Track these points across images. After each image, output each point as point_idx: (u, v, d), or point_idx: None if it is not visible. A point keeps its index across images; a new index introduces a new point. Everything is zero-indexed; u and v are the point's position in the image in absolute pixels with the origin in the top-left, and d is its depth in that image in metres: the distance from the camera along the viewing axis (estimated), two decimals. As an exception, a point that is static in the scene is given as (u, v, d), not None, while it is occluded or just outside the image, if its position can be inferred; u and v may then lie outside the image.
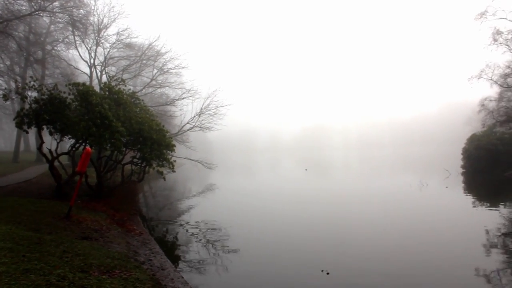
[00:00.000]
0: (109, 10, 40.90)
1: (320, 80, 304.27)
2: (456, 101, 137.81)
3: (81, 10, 36.40)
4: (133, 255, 11.01)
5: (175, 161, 22.50)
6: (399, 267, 11.74)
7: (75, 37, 39.90)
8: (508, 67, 37.55)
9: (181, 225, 18.99)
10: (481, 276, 10.75)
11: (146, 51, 44.13)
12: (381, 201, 24.98)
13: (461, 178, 36.98)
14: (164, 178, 22.48)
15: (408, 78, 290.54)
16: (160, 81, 46.69)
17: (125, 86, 23.47)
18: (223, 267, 12.16)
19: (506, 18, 34.96)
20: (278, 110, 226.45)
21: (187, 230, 17.50)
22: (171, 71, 45.18)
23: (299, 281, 10.87)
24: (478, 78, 37.23)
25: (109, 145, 18.46)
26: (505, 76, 37.16)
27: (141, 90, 43.90)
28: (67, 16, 35.11)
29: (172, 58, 43.80)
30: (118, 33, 41.62)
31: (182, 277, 10.35)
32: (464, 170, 40.71)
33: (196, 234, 16.58)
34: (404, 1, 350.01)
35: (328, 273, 10.93)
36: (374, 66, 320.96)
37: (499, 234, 15.64)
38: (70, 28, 38.13)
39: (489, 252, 13.18)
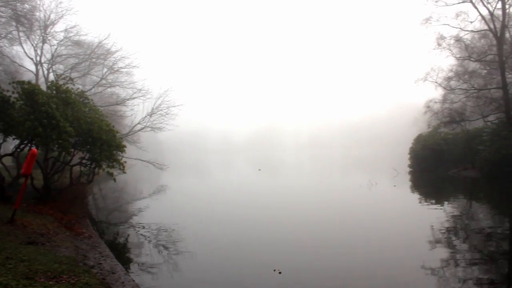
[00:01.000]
0: (57, 6, 39.10)
1: (271, 81, 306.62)
2: (404, 103, 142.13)
3: (25, 5, 34.89)
4: (82, 259, 10.69)
5: (125, 162, 22.09)
6: (348, 265, 12.01)
7: (20, 33, 38.13)
8: (451, 70, 39.25)
9: (133, 227, 18.63)
10: (427, 270, 11.15)
11: (96, 49, 42.94)
12: (331, 200, 25.45)
13: (408, 177, 38.28)
14: (114, 180, 21.95)
15: (358, 80, 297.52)
16: (110, 80, 45.50)
17: (74, 85, 22.70)
18: (175, 269, 12.03)
19: (448, 24, 36.57)
20: (230, 110, 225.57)
21: (138, 232, 17.18)
22: (122, 70, 44.19)
23: (252, 281, 10.89)
24: (424, 81, 38.69)
25: (56, 146, 17.85)
26: (448, 79, 38.78)
27: (91, 89, 42.64)
28: (10, 10, 33.60)
29: (123, 57, 42.88)
30: (66, 30, 40.20)
31: (134, 280, 10.14)
32: (411, 169, 42.17)
33: (148, 236, 16.31)
34: (356, 5, 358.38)
35: (280, 272, 11.03)
36: (325, 68, 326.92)
37: (444, 230, 16.29)
38: (14, 23, 36.47)
39: (434, 247, 13.70)
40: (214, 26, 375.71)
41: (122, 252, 14.05)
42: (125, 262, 12.48)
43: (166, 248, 14.43)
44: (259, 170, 56.49)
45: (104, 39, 42.71)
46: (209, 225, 18.72)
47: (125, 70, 44.22)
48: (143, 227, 18.03)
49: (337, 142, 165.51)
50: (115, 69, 43.75)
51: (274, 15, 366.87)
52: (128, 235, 17.16)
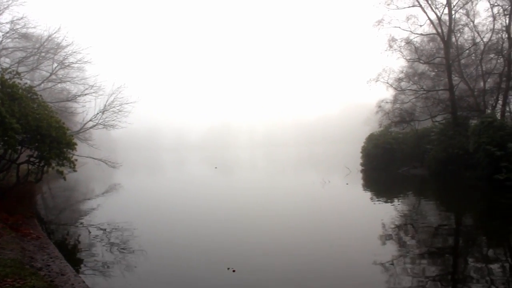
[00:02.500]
0: (2, -4, 37.38)
1: (226, 78, 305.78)
2: (357, 103, 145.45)
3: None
4: (28, 261, 10.30)
5: (76, 160, 21.48)
6: (301, 262, 12.15)
7: (-39, 23, 36.29)
8: (402, 72, 40.46)
9: (84, 227, 18.13)
10: (378, 266, 11.45)
11: (45, 43, 41.28)
12: (284, 198, 25.68)
13: (360, 175, 39.17)
14: (64, 178, 21.27)
15: (312, 80, 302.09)
16: (60, 76, 43.90)
17: (21, 79, 21.82)
18: (128, 269, 11.80)
19: (399, 27, 37.63)
20: (185, 108, 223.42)
21: (90, 232, 16.73)
22: (73, 65, 42.62)
23: (206, 279, 10.85)
24: (376, 81, 39.55)
25: (1, 143, 17.11)
26: (399, 80, 39.91)
27: (39, 84, 41.01)
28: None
29: (74, 52, 41.37)
30: (12, 22, 38.36)
31: (84, 282, 9.87)
32: (363, 168, 43.15)
33: (100, 236, 15.92)
34: (311, 6, 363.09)
35: (234, 271, 11.04)
36: (280, 67, 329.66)
37: (394, 226, 16.81)
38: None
39: (385, 243, 14.12)
40: (168, 21, 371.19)
41: (72, 253, 13.66)
42: (76, 263, 12.13)
43: (118, 247, 14.13)
44: (216, 168, 56.28)
45: (54, 33, 41.10)
46: (163, 224, 18.49)
47: (76, 65, 42.73)
48: (95, 227, 17.57)
49: (291, 141, 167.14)
50: (66, 64, 42.21)
51: (230, 11, 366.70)
52: (79, 235, 16.70)
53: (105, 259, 12.76)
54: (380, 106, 40.49)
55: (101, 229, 17.16)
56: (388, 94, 41.27)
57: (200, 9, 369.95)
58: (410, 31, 37.18)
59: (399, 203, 23.52)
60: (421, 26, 37.18)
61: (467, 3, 35.16)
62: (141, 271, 11.54)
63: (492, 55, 35.37)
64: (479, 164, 28.36)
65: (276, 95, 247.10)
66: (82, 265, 12.14)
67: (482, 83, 35.89)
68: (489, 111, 33.58)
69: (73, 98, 44.02)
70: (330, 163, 60.01)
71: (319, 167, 54.98)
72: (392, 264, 11.67)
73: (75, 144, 21.25)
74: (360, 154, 44.93)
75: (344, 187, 30.95)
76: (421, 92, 38.62)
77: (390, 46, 37.82)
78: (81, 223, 19.24)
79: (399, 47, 37.95)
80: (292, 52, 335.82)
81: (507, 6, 32.45)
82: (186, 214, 20.92)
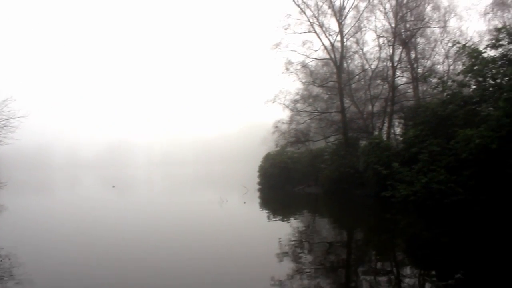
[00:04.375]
0: None
1: (123, 95, 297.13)
2: (255, 123, 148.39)
3: None
4: None
5: None
6: (199, 282, 11.86)
7: None
8: (297, 94, 41.81)
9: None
10: (276, 282, 11.47)
11: None
12: (182, 218, 25.19)
13: (257, 194, 39.62)
14: None
15: (212, 99, 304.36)
16: None
17: None
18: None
19: (296, 51, 38.98)
20: (79, 124, 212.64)
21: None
22: None
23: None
24: (273, 102, 40.42)
25: None
26: (295, 101, 41.20)
27: None
28: None
29: None
30: None
31: None
32: (260, 186, 43.75)
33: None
34: (213, 28, 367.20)
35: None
36: (180, 85, 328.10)
37: (290, 243, 17.08)
38: None
39: (282, 260, 14.20)
40: (61, 33, 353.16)
41: None
42: None
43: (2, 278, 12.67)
44: (114, 187, 53.76)
45: None
46: (50, 249, 17.03)
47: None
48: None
49: (190, 159, 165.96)
50: None
51: (130, 25, 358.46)
52: None
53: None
54: (276, 127, 41.36)
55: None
56: (285, 114, 42.40)
57: (94, 19, 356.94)
58: (306, 55, 38.68)
59: (295, 220, 24.05)
60: (316, 51, 38.87)
61: (357, 32, 37.69)
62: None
63: (378, 81, 38.18)
64: (368, 182, 30.06)
65: (174, 113, 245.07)
66: None
67: (370, 107, 38.45)
68: (376, 132, 35.90)
69: None
70: (228, 182, 60.13)
71: (217, 186, 54.86)
72: (289, 280, 11.76)
73: None
74: (258, 173, 45.55)
75: (241, 206, 31.03)
76: (315, 113, 40.21)
77: (287, 69, 39.01)
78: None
79: (295, 70, 39.27)
80: (192, 71, 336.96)
81: (390, 38, 35.29)
82: (73, 236, 19.52)
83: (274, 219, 25.27)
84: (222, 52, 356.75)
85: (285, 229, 19.93)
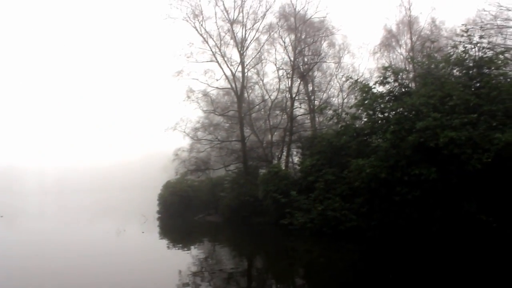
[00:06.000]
0: None
1: (10, 118, 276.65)
2: (156, 150, 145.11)
3: None
4: None
5: None
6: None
7: None
8: (198, 122, 41.79)
9: None
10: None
11: None
12: (76, 249, 23.79)
13: (157, 222, 38.63)
14: None
15: (111, 125, 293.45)
16: None
17: None
18: None
19: (197, 79, 39.14)
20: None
21: None
22: None
23: None
24: (173, 130, 39.96)
25: None
26: (196, 129, 41.15)
27: None
28: None
29: None
30: None
31: None
32: (160, 215, 42.73)
33: None
34: (116, 55, 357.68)
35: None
36: (74, 112, 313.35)
37: (191, 273, 16.82)
38: None
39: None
40: None
41: None
42: None
43: None
44: (1, 216, 49.19)
45: None
46: None
47: None
48: None
49: (86, 187, 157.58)
50: None
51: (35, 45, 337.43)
52: None
53: None
54: (177, 154, 40.93)
55: None
56: (185, 143, 42.15)
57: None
58: (208, 84, 38.94)
59: (195, 249, 23.79)
60: (217, 80, 39.29)
61: (257, 63, 38.97)
62: None
63: (278, 112, 39.57)
64: (267, 210, 30.64)
65: (68, 138, 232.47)
66: None
67: (269, 136, 39.56)
68: (275, 161, 36.96)
69: None
70: (127, 210, 57.94)
71: (115, 215, 52.65)
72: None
73: None
74: (157, 202, 44.54)
75: (140, 235, 30.02)
76: (216, 142, 40.45)
77: (188, 97, 39.01)
78: None
79: (197, 98, 39.38)
80: (92, 96, 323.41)
81: (289, 71, 37.00)
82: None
83: (174, 249, 24.76)
84: (124, 78, 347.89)
85: (185, 259, 19.67)
